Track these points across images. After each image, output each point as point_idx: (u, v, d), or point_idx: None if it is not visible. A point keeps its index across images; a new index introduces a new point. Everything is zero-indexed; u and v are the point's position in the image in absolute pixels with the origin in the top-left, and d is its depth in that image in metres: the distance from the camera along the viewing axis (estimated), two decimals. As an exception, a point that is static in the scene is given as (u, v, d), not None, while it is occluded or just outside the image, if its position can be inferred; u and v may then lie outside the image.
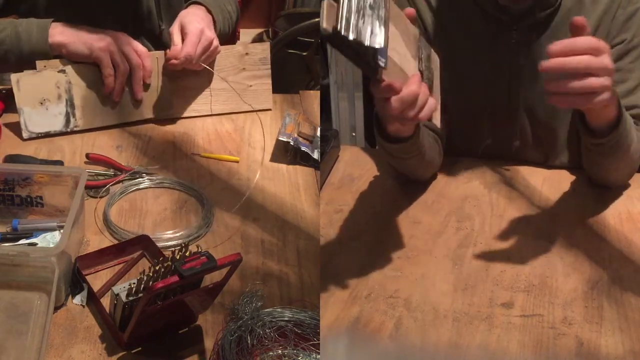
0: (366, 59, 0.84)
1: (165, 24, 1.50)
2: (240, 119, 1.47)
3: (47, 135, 1.34)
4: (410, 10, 0.94)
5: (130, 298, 0.89)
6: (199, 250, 0.87)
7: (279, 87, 1.52)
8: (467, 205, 1.21)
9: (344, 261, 1.10)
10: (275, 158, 1.35)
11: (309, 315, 0.96)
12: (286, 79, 1.73)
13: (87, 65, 1.34)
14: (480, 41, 1.23)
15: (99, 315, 0.96)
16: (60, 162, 1.26)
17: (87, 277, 1.01)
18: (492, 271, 1.06)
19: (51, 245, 1.04)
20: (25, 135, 1.32)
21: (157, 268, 0.86)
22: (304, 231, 1.17)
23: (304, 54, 2.33)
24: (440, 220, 1.18)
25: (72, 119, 1.36)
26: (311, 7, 2.80)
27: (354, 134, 2.10)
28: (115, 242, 1.10)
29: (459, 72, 1.23)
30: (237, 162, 1.33)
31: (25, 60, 1.31)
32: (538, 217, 1.17)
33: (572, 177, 1.27)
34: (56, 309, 0.96)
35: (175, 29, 1.36)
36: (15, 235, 1.06)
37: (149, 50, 1.40)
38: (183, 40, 1.35)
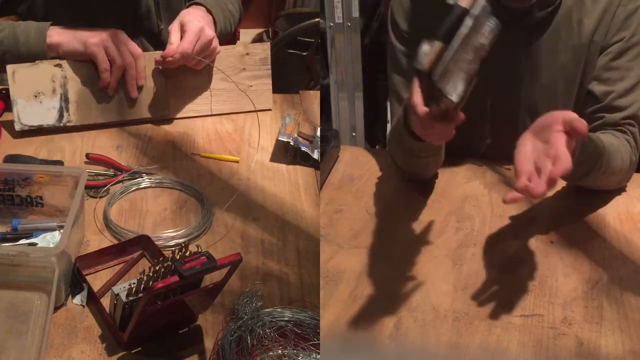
0: (435, 97, 0.90)
1: (165, 23, 1.50)
2: (240, 119, 1.46)
3: (40, 128, 1.34)
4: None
5: (130, 298, 0.89)
6: (199, 250, 0.87)
7: (279, 87, 1.52)
8: (467, 205, 1.21)
9: (344, 261, 1.10)
10: (275, 158, 1.35)
11: (309, 315, 0.96)
12: (286, 79, 1.73)
13: (84, 61, 1.34)
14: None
15: (99, 315, 0.96)
16: (60, 162, 1.26)
17: (87, 277, 1.01)
18: (492, 271, 1.06)
19: (51, 245, 1.04)
20: (17, 127, 1.32)
21: (157, 268, 0.86)
22: (304, 231, 1.17)
23: (304, 54, 2.32)
24: (440, 220, 1.18)
25: (65, 114, 1.35)
26: (311, 7, 2.80)
27: (354, 134, 2.10)
28: (115, 242, 1.10)
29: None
30: (237, 162, 1.33)
31: (23, 62, 1.31)
32: (538, 217, 1.17)
33: (572, 177, 1.27)
34: (56, 309, 0.96)
35: (174, 28, 1.36)
36: (15, 235, 1.06)
37: (148, 50, 1.40)
38: (181, 39, 1.34)
